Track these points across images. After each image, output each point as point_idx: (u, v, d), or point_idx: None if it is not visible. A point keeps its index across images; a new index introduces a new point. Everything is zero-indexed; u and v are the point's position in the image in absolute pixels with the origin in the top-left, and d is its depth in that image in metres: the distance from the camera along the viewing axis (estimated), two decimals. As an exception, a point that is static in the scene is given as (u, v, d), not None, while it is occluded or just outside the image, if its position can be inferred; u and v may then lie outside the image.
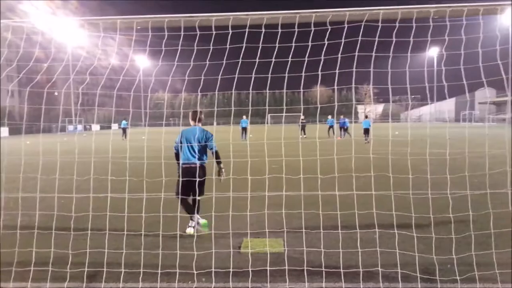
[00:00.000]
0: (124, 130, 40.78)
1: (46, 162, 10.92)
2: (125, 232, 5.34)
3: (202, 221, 6.66)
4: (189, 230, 6.76)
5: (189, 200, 6.72)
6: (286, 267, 4.91)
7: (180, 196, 6.56)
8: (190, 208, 6.73)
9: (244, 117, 35.16)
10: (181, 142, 6.70)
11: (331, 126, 35.76)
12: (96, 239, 5.85)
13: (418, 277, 4.67)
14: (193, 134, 6.72)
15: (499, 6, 4.74)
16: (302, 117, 37.68)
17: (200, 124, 6.97)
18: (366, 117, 35.77)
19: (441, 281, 4.64)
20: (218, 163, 6.79)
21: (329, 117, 36.01)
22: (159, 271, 4.89)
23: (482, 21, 5.11)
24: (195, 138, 6.69)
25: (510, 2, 4.66)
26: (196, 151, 6.70)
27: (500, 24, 5.78)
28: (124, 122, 42.05)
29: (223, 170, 6.78)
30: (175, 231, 5.86)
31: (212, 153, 6.78)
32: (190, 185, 6.31)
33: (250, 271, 4.83)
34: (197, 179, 6.17)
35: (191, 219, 6.77)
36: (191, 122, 7.00)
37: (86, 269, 4.94)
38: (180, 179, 6.50)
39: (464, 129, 47.88)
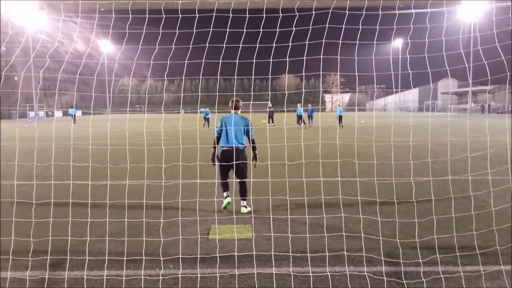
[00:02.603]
0: (73, 116, 43.27)
1: (5, 148, 10.50)
2: (89, 220, 5.21)
3: (244, 210, 7.12)
4: (226, 200, 7.21)
5: (228, 180, 7.30)
6: (254, 253, 4.93)
7: (221, 169, 7.16)
8: (226, 187, 7.28)
9: (207, 108, 37.04)
10: (221, 129, 7.23)
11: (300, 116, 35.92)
12: (59, 227, 5.70)
13: (382, 260, 4.78)
14: (233, 121, 7.13)
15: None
16: (269, 105, 37.70)
17: (239, 112, 7.43)
18: (339, 105, 37.31)
19: (404, 264, 4.77)
20: (254, 150, 7.30)
21: (298, 105, 36.05)
22: (125, 259, 4.81)
23: (446, 11, 5.22)
24: (236, 124, 7.14)
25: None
26: (238, 136, 7.14)
27: (462, 14, 5.92)
28: (71, 109, 45.30)
29: (257, 156, 7.29)
30: (141, 218, 5.78)
31: (250, 139, 7.28)
32: (231, 166, 6.93)
33: (218, 257, 4.81)
34: (234, 161, 6.76)
35: (225, 192, 7.28)
36: (231, 110, 7.40)
37: (48, 257, 4.80)
38: (220, 162, 7.13)
39: (427, 118, 49.26)
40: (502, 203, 6.54)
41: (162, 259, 4.80)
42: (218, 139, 7.31)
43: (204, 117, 35.57)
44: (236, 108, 7.38)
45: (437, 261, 4.70)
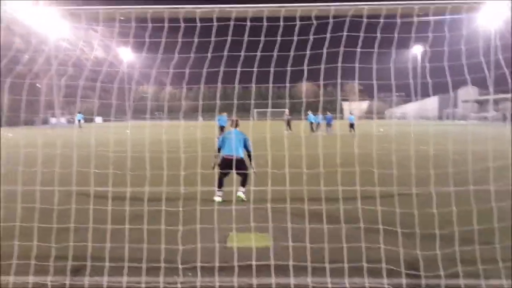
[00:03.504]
0: (79, 122, 48.00)
1: (28, 154, 10.72)
2: (109, 226, 5.27)
3: (241, 195, 8.84)
4: (217, 199, 8.75)
5: (223, 179, 8.96)
6: (272, 262, 4.91)
7: (220, 172, 8.83)
8: (221, 184, 8.88)
9: (225, 114, 30.62)
10: (223, 141, 9.01)
11: (312, 123, 36.45)
12: (80, 232, 5.78)
13: (402, 272, 4.71)
14: (233, 135, 8.98)
15: (481, 3, 4.79)
16: (287, 112, 37.65)
17: (238, 128, 9.34)
18: (351, 113, 37.87)
19: (425, 276, 4.68)
20: (250, 160, 9.18)
21: (309, 112, 36.59)
22: (144, 265, 4.84)
23: (465, 18, 5.16)
24: (236, 138, 8.92)
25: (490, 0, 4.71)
26: (237, 147, 8.86)
27: (483, 21, 5.86)
28: (79, 115, 50.17)
29: (253, 165, 9.13)
30: (159, 225, 5.82)
31: (247, 151, 9.09)
32: (229, 169, 8.35)
33: (236, 266, 4.81)
34: (234, 168, 8.28)
35: (219, 191, 8.84)
36: (231, 128, 9.39)
37: (69, 263, 4.87)
38: (220, 167, 8.88)
39: (447, 126, 48.53)
40: (526, 214, 6.38)
41: (180, 266, 4.82)
42: (219, 150, 9.03)
43: (220, 126, 29.24)
44: (236, 125, 9.36)
45: (459, 274, 4.61)
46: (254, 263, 4.93)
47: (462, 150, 17.09)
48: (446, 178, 6.68)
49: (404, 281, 4.57)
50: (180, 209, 5.67)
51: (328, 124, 36.46)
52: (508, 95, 71.64)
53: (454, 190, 5.73)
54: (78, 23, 5.33)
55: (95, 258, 5.12)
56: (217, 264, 4.85)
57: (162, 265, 4.87)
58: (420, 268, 4.82)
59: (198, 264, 4.78)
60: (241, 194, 8.89)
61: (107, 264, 4.81)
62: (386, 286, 4.46)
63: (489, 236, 5.68)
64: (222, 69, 5.79)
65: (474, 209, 5.06)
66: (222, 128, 28.86)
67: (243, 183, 9.00)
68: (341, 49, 5.50)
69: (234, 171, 8.53)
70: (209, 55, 5.63)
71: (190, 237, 5.92)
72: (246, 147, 9.12)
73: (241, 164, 8.80)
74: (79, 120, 48.84)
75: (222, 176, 8.92)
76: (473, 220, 5.03)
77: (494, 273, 4.70)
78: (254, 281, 4.65)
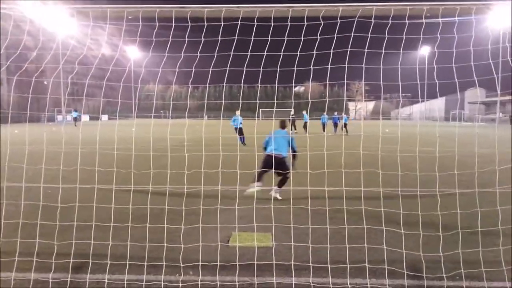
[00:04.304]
0: (75, 119, 47.84)
1: (33, 151, 10.78)
2: (112, 224, 5.28)
3: (273, 194, 8.83)
4: (254, 189, 8.42)
5: (263, 174, 8.85)
6: (274, 262, 4.90)
7: (262, 169, 8.75)
8: (260, 178, 8.78)
9: (237, 112, 23.92)
10: (269, 140, 9.14)
11: (306, 123, 36.90)
12: (82, 230, 5.79)
13: (405, 273, 4.68)
14: (280, 135, 9.23)
15: (491, 5, 4.74)
16: (291, 112, 37.64)
17: (286, 129, 9.65)
18: (344, 114, 38.64)
19: (427, 278, 4.65)
20: (294, 159, 9.15)
21: (304, 112, 37.36)
22: (146, 264, 4.84)
23: (474, 20, 5.11)
24: (282, 138, 9.15)
25: (501, 1, 4.66)
26: (282, 146, 9.02)
27: (491, 23, 5.81)
28: (74, 112, 50.10)
29: (295, 166, 8.99)
30: (162, 223, 5.82)
31: (294, 150, 9.11)
32: (273, 166, 8.14)
33: (238, 265, 4.80)
34: (276, 166, 8.33)
35: (253, 183, 8.63)
36: (279, 128, 9.59)
37: (71, 260, 4.88)
38: (264, 162, 8.81)
39: (454, 128, 48.27)
40: (532, 217, 6.33)
41: (182, 265, 4.81)
42: (265, 148, 9.23)
43: (236, 128, 23.24)
44: (284, 126, 9.66)
45: (462, 275, 4.57)
46: (256, 262, 4.93)
47: (468, 152, 16.99)
48: (452, 180, 6.63)
49: (406, 282, 4.54)
50: (183, 207, 5.68)
51: (335, 124, 36.53)
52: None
53: (459, 192, 5.70)
54: (86, 21, 5.34)
55: (97, 256, 5.14)
56: (218, 263, 4.84)
57: (164, 263, 4.87)
58: (423, 270, 4.79)
59: (200, 263, 4.78)
60: (273, 193, 8.87)
61: (108, 261, 4.82)
62: (387, 287, 4.44)
63: (493, 238, 5.64)
64: (228, 69, 5.77)
65: (478, 211, 5.02)
66: (237, 130, 23.46)
67: (281, 183, 8.97)
68: (348, 49, 5.47)
69: (273, 170, 8.47)
70: (215, 54, 5.63)
71: (193, 236, 5.92)
72: (291, 146, 9.17)
73: (282, 163, 8.82)
74: (75, 118, 48.82)
75: (262, 172, 8.84)
76: (477, 222, 4.99)
77: (497, 275, 4.66)
78: (256, 280, 4.63)
